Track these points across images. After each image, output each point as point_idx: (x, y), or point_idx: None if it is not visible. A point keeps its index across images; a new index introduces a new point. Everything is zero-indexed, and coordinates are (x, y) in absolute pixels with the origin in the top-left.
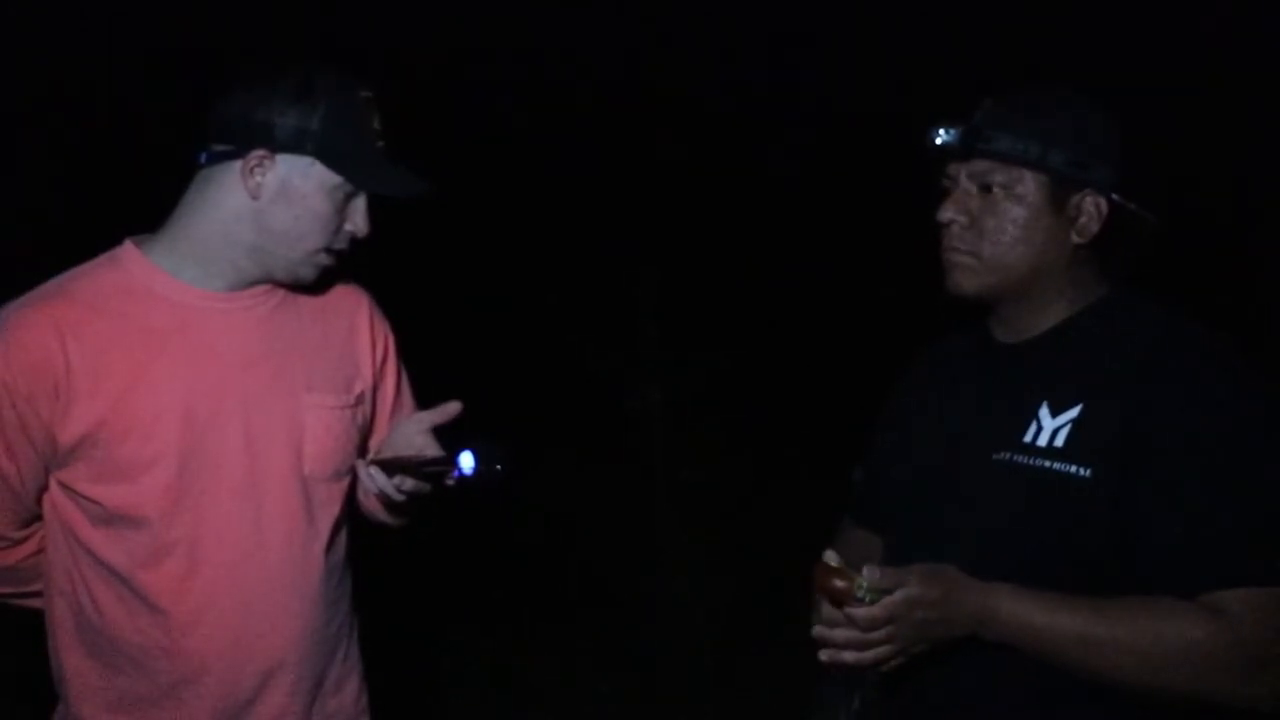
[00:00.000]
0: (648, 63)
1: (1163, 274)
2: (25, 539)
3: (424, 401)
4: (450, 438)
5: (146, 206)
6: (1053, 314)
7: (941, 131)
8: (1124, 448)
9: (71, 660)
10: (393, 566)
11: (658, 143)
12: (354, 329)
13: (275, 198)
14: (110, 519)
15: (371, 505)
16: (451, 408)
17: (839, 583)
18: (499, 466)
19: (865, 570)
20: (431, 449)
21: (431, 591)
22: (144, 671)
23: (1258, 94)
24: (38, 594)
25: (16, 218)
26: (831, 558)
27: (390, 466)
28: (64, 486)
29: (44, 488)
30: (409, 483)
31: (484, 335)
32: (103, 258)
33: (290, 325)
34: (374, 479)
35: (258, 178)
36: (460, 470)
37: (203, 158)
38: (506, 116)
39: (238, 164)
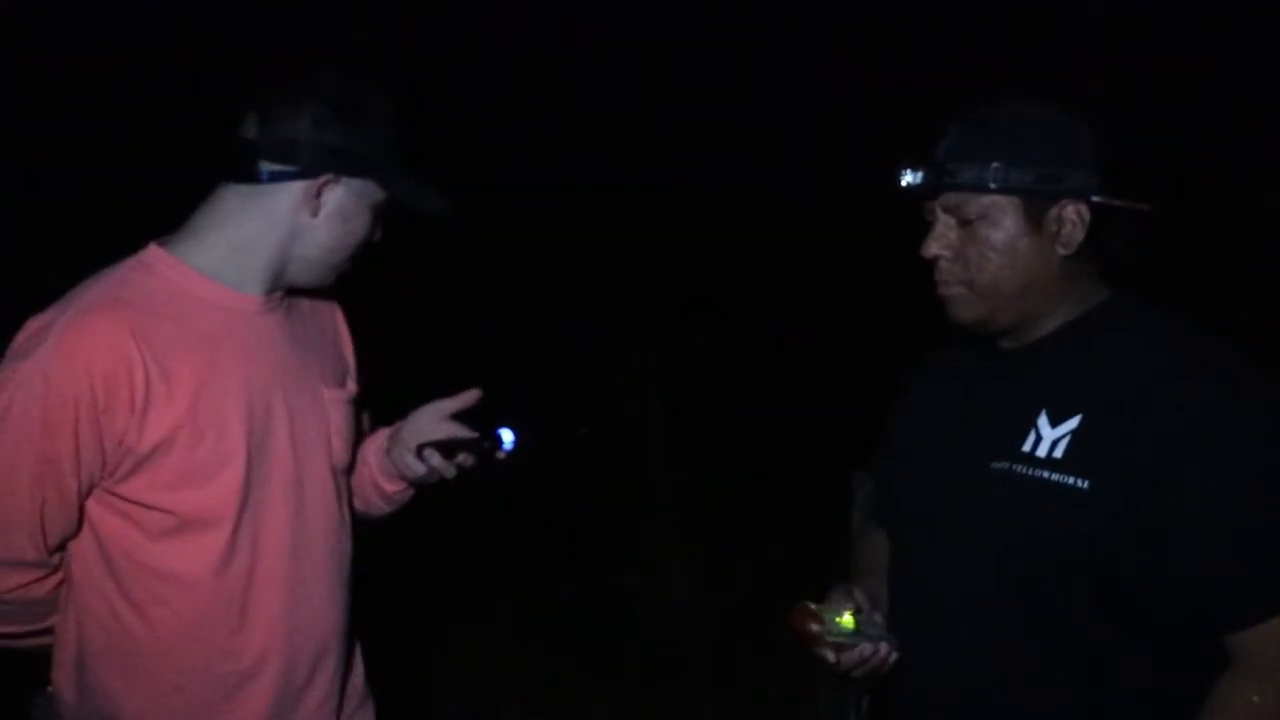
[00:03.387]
0: (649, 64)
1: (1156, 274)
2: (58, 566)
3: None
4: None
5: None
6: (1052, 320)
7: (907, 173)
8: (1129, 460)
9: (113, 684)
10: (391, 568)
11: (658, 145)
12: (338, 329)
13: (331, 215)
14: (183, 526)
15: (370, 498)
16: (470, 395)
17: (814, 627)
18: (531, 441)
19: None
20: (462, 432)
21: (427, 590)
22: (204, 678)
23: (1252, 92)
24: (46, 631)
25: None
26: (829, 609)
27: (447, 447)
28: (122, 501)
29: None
30: (469, 460)
31: (484, 337)
32: (130, 263)
33: (300, 325)
34: (428, 461)
35: (324, 199)
36: (504, 446)
37: (264, 175)
38: (506, 120)
39: (299, 184)
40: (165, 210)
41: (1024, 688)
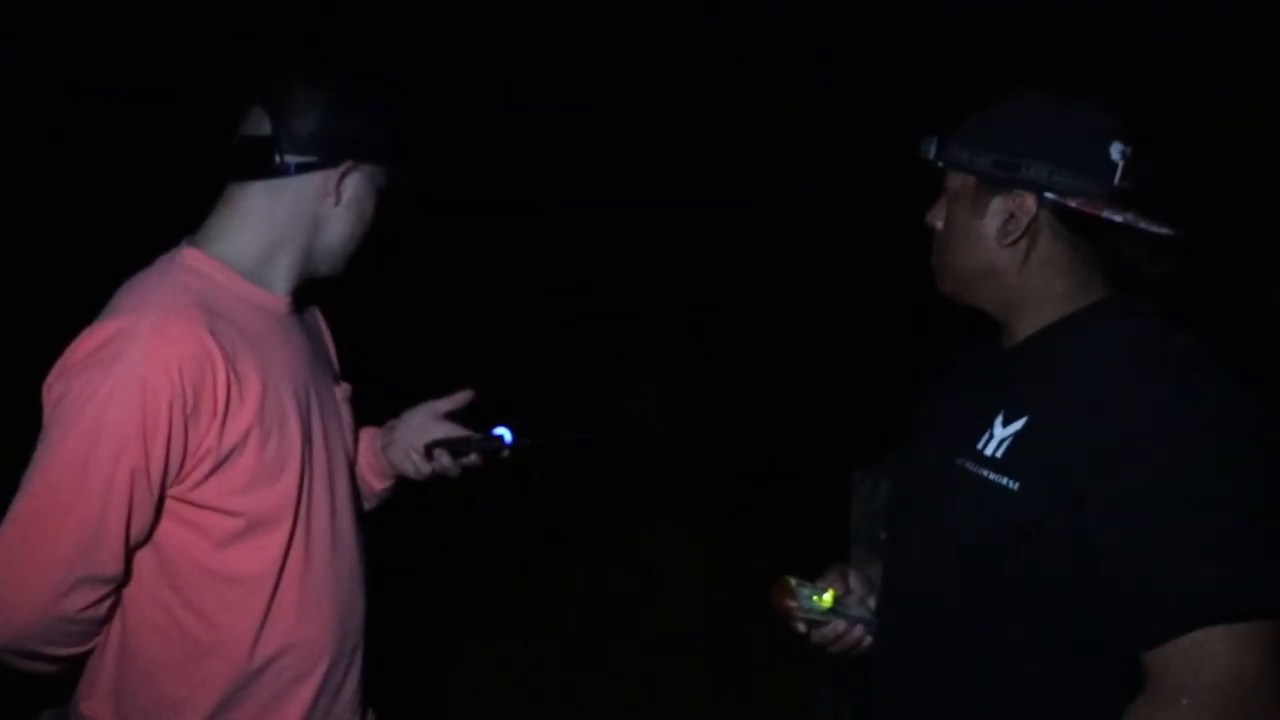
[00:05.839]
0: (648, 68)
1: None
2: (124, 582)
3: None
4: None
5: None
6: (1037, 319)
7: (923, 143)
8: (1056, 466)
9: (178, 693)
10: (390, 568)
11: (656, 149)
12: (324, 331)
13: (350, 202)
14: (249, 528)
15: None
16: (464, 395)
17: (789, 602)
18: (527, 440)
19: (807, 598)
20: (460, 432)
21: (428, 590)
22: (266, 678)
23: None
24: (86, 654)
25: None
26: (813, 589)
27: (456, 446)
28: (191, 508)
29: None
30: (477, 460)
31: (485, 341)
32: (171, 265)
33: (306, 326)
34: (438, 460)
35: (344, 186)
36: (507, 444)
37: (292, 168)
38: (506, 123)
39: (322, 174)
40: (156, 210)
41: (955, 688)
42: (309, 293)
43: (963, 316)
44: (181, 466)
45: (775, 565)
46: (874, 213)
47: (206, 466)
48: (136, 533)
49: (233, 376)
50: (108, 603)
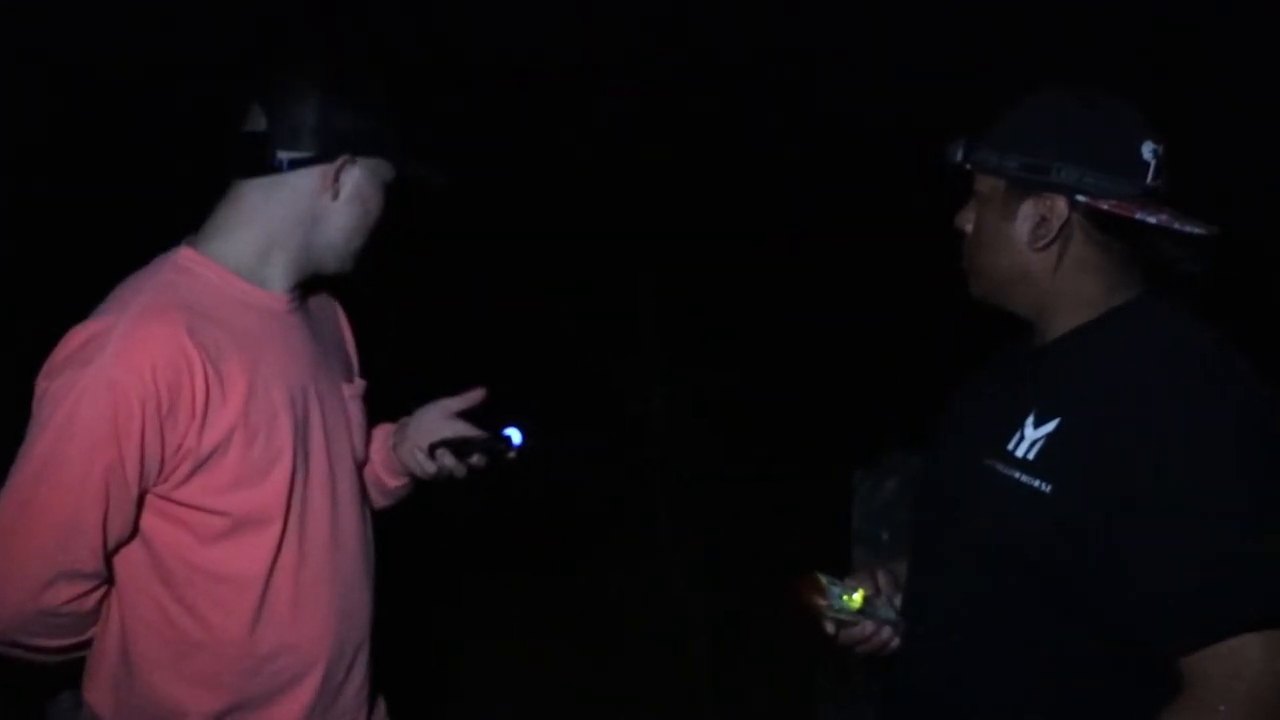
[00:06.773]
0: (651, 68)
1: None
2: (110, 577)
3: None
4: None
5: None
6: (1069, 320)
7: (950, 146)
8: (1090, 469)
9: (176, 692)
10: (391, 567)
11: (660, 149)
12: (341, 326)
13: (350, 197)
14: (236, 527)
15: (371, 492)
16: (475, 394)
17: (819, 600)
18: (535, 441)
19: (839, 595)
20: (470, 431)
21: (426, 588)
22: (262, 678)
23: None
24: (85, 644)
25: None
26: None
27: (460, 447)
28: (176, 506)
29: None
30: (481, 461)
31: (487, 341)
32: (165, 265)
33: (315, 323)
34: (440, 460)
35: (342, 181)
36: (514, 445)
37: (285, 164)
38: (510, 123)
39: (318, 169)
40: (160, 210)
41: (984, 690)
42: (322, 291)
43: (963, 317)
44: (161, 466)
45: (776, 566)
46: (876, 214)
47: (187, 467)
48: (117, 530)
49: (213, 377)
50: (93, 597)
